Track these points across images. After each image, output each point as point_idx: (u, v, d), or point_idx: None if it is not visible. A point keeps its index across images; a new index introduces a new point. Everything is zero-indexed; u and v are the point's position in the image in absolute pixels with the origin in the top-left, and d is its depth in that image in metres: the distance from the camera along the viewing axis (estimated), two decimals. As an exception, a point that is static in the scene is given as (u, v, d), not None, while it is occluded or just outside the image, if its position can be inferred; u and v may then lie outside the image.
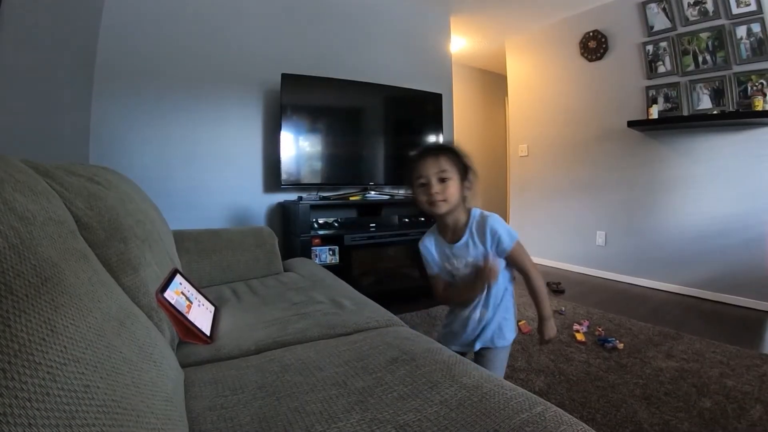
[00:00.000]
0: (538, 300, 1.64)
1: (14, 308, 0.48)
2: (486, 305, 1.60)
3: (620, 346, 2.53)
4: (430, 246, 1.63)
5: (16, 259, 0.54)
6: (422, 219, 3.74)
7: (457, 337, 1.65)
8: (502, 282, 1.62)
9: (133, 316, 0.84)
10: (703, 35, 3.59)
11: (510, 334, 1.68)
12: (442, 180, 1.46)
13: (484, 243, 1.53)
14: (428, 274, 1.67)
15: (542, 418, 0.85)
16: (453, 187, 1.48)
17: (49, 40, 2.46)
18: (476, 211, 1.59)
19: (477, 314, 1.60)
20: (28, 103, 2.38)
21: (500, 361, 1.68)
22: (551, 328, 1.65)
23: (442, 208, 1.49)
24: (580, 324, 2.86)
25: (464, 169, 1.53)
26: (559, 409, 0.89)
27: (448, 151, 1.51)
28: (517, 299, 3.23)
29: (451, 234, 1.59)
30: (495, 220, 1.55)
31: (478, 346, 1.63)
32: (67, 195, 1.02)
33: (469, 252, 1.54)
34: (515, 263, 1.60)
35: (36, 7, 2.38)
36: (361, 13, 4.09)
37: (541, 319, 1.67)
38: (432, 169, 1.46)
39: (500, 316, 1.64)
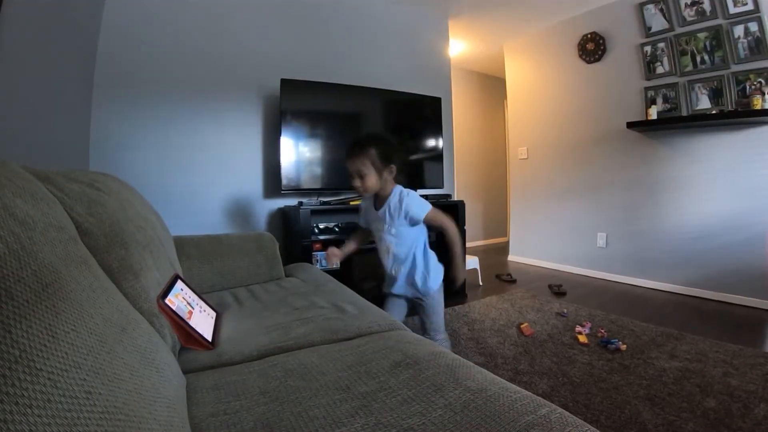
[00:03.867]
0: (452, 248, 2.02)
1: (15, 314, 0.47)
2: (397, 264, 2.03)
3: (623, 347, 2.52)
4: (366, 206, 2.11)
5: (16, 264, 0.53)
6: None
7: (391, 284, 2.09)
8: (408, 247, 2.02)
9: (134, 322, 0.83)
10: (701, 35, 3.60)
11: (435, 282, 2.08)
12: (361, 176, 1.90)
13: (399, 214, 1.95)
14: (357, 223, 2.23)
15: (547, 420, 0.84)
16: (370, 181, 1.91)
17: (49, 47, 2.46)
18: (397, 190, 1.99)
19: (393, 270, 2.04)
20: (28, 109, 2.38)
21: (437, 302, 2.11)
22: (461, 272, 2.07)
23: (365, 195, 2.02)
24: (583, 326, 2.85)
25: (384, 159, 1.92)
26: (564, 410, 0.88)
27: (367, 148, 1.90)
28: (516, 302, 3.25)
29: (379, 203, 2.02)
30: (411, 198, 1.97)
31: (410, 293, 2.08)
32: (67, 201, 1.02)
33: (385, 219, 1.97)
34: (433, 225, 2.01)
35: (36, 13, 2.38)
36: (360, 18, 4.10)
37: (453, 264, 2.06)
38: (352, 167, 1.91)
39: (420, 270, 2.03)
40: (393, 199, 1.97)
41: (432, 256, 2.11)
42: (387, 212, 1.97)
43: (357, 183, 1.92)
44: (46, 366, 0.46)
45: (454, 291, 2.14)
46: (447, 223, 2.01)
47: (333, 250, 2.10)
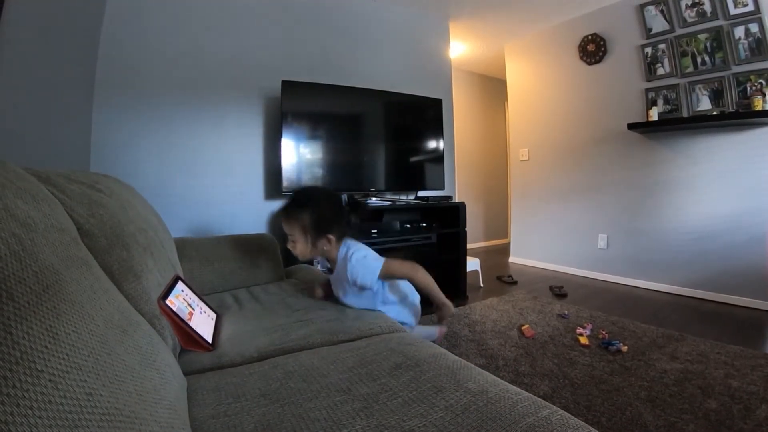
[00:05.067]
0: (429, 293, 1.87)
1: (16, 315, 0.47)
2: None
3: (624, 348, 2.52)
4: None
5: (17, 265, 0.53)
6: (423, 225, 3.74)
7: None
8: (370, 305, 1.84)
9: (135, 324, 0.83)
10: (702, 36, 3.60)
11: (408, 319, 1.97)
12: (293, 240, 1.77)
13: (348, 280, 1.76)
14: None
15: (548, 422, 0.84)
16: (299, 247, 1.78)
17: (50, 49, 2.46)
18: (342, 253, 1.80)
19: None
20: (29, 111, 2.39)
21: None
22: (447, 311, 1.88)
23: (299, 258, 1.83)
24: (584, 327, 2.85)
25: (318, 229, 1.75)
26: (565, 412, 0.88)
27: (300, 213, 1.75)
28: (517, 304, 3.26)
29: (331, 263, 1.88)
30: (356, 262, 1.74)
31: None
32: (68, 202, 1.02)
33: (340, 282, 1.83)
34: (392, 276, 1.84)
35: (36, 16, 2.39)
36: (361, 20, 4.11)
37: (436, 306, 1.89)
38: (284, 228, 1.79)
39: (393, 311, 1.88)
40: (340, 264, 1.79)
41: (400, 290, 1.96)
42: (340, 275, 1.81)
43: (289, 246, 1.80)
44: (47, 367, 0.46)
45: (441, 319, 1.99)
46: (407, 272, 1.83)
47: (318, 291, 1.96)
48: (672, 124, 3.76)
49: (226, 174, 3.33)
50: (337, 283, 1.87)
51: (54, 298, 0.56)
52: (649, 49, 3.99)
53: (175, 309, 1.26)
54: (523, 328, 2.89)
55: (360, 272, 1.72)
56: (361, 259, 1.76)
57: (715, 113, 3.49)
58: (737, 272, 3.48)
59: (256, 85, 3.46)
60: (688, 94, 3.74)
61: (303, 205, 1.77)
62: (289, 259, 3.01)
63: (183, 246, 2.14)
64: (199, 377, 1.14)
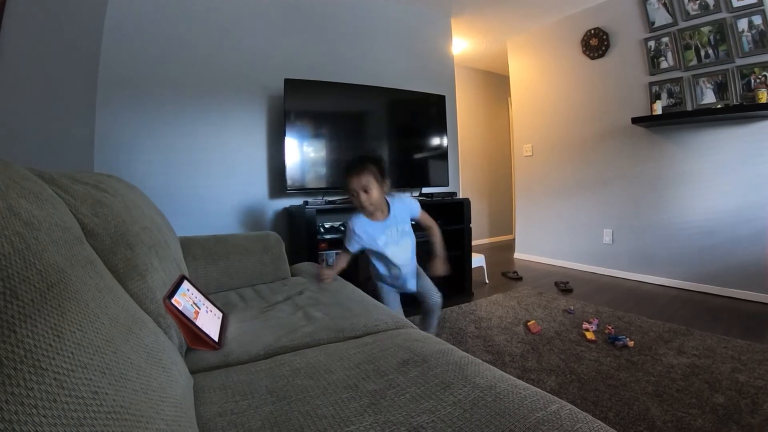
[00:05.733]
0: (436, 244, 2.30)
1: (20, 313, 0.47)
2: (410, 264, 2.30)
3: (630, 343, 2.51)
4: (362, 228, 2.14)
5: (21, 264, 0.53)
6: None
7: (395, 286, 2.35)
8: (414, 245, 2.30)
9: (140, 322, 0.83)
10: (705, 29, 3.58)
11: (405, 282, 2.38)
12: (366, 191, 2.03)
13: (404, 216, 2.20)
14: (346, 248, 2.21)
15: (557, 416, 0.83)
16: (375, 194, 2.05)
17: (53, 49, 2.47)
18: (395, 198, 2.21)
19: (403, 274, 2.27)
20: (33, 111, 2.39)
21: (427, 278, 2.42)
22: (440, 266, 2.28)
23: (371, 210, 2.10)
24: (590, 323, 2.84)
25: (381, 175, 2.08)
26: (574, 407, 0.88)
27: (367, 166, 2.05)
28: (522, 300, 3.26)
29: (380, 215, 2.16)
30: (410, 200, 2.26)
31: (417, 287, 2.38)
32: (72, 202, 1.01)
33: (392, 226, 2.16)
34: (423, 222, 2.30)
35: (38, 16, 2.39)
36: (363, 17, 4.10)
37: (436, 257, 2.29)
38: (357, 184, 2.04)
39: (413, 264, 2.35)
40: (395, 207, 2.18)
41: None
42: (395, 221, 2.17)
43: (363, 197, 2.04)
44: (51, 366, 0.46)
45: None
46: (433, 221, 2.31)
47: (325, 272, 2.20)
48: (676, 118, 3.73)
49: (229, 173, 3.33)
50: (390, 228, 2.17)
51: (58, 296, 0.56)
52: (652, 43, 3.97)
53: (181, 308, 1.25)
54: (529, 324, 2.88)
55: (413, 203, 2.24)
56: (411, 199, 2.28)
57: (719, 106, 3.47)
58: (743, 266, 3.47)
59: (259, 83, 3.46)
60: (692, 87, 3.72)
61: (367, 160, 2.08)
62: (295, 257, 3.02)
63: (188, 245, 2.14)
64: (205, 375, 1.14)
